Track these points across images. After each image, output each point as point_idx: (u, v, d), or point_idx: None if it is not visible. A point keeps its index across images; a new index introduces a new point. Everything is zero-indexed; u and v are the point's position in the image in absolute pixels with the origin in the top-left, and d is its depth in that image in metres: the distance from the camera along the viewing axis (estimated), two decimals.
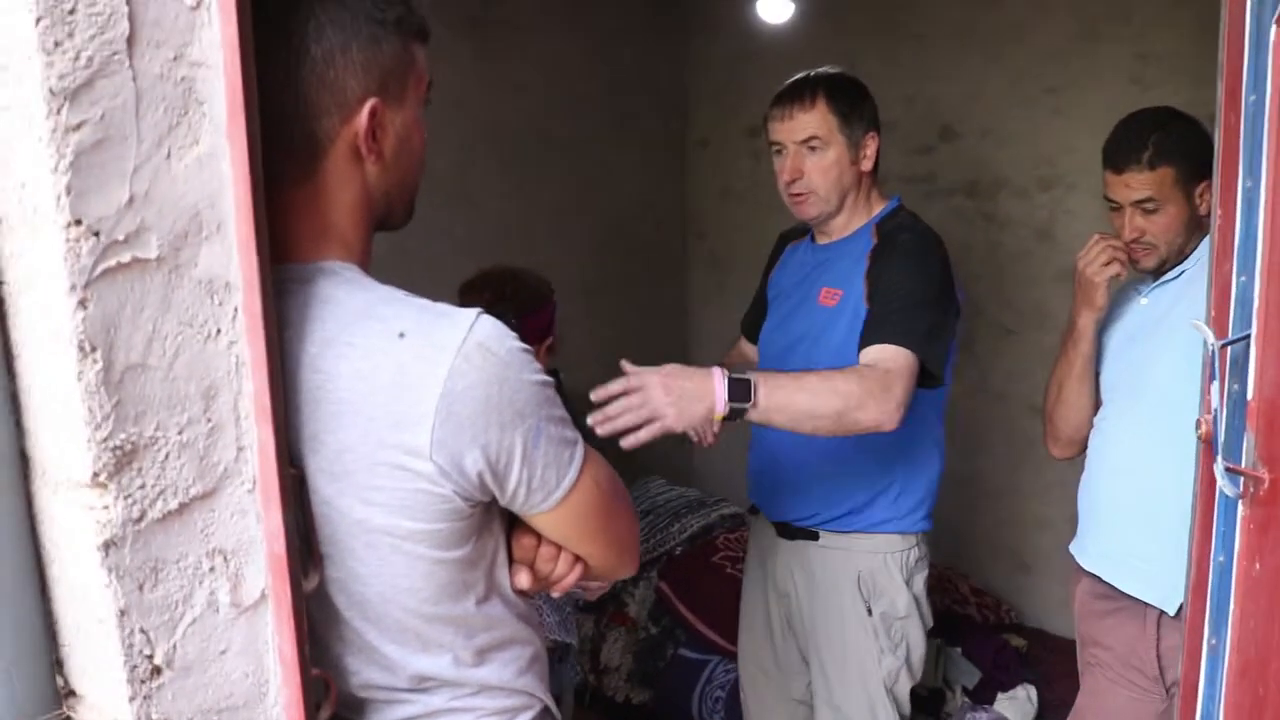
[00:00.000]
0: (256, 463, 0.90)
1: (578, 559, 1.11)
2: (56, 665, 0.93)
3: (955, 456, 3.68)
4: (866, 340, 1.76)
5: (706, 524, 3.49)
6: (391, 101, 0.98)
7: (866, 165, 1.92)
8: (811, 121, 1.88)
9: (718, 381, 1.57)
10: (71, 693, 0.94)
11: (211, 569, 0.89)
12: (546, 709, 1.15)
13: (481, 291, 2.20)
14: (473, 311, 0.93)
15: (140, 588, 0.84)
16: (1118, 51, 3.10)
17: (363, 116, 0.95)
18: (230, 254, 0.86)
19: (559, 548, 1.09)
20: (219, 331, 0.87)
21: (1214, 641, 1.21)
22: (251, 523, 0.91)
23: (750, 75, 4.03)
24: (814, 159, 1.90)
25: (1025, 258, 3.42)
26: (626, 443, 1.54)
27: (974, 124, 3.47)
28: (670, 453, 4.28)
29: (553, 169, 3.62)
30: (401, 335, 0.91)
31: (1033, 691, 3.04)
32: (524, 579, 1.07)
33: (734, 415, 1.60)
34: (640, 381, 1.55)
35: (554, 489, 1.00)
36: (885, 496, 1.97)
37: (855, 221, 1.97)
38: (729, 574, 3.22)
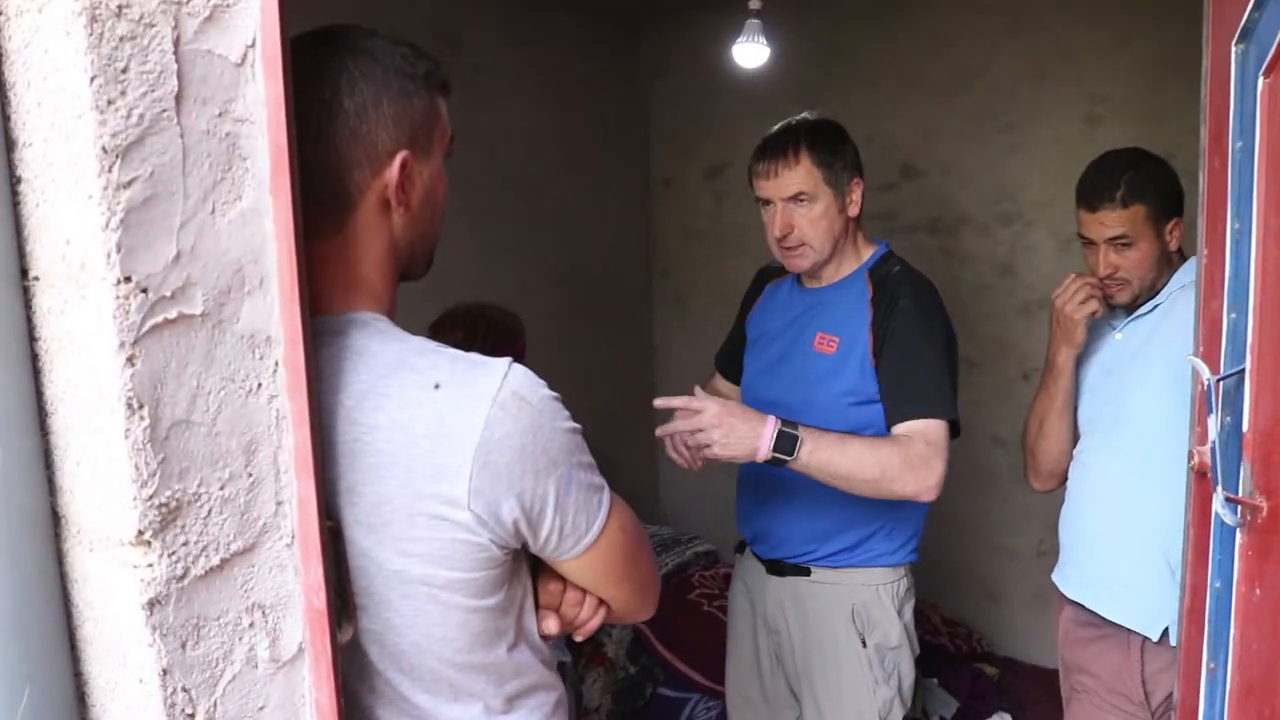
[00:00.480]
0: (295, 516, 0.90)
1: (601, 602, 1.12)
2: None
3: None
4: (898, 415, 1.82)
5: (681, 562, 3.50)
6: (419, 154, 0.99)
7: (854, 211, 1.95)
8: (798, 177, 1.90)
9: (768, 429, 1.67)
10: None
11: (251, 625, 0.88)
12: None
13: (453, 331, 2.21)
14: (504, 361, 0.95)
15: (183, 646, 0.83)
16: (1067, 91, 3.21)
17: (394, 169, 0.96)
18: (272, 308, 0.87)
19: (584, 592, 1.10)
20: (260, 386, 0.87)
21: (1213, 665, 1.25)
22: (290, 577, 0.91)
23: (709, 117, 4.11)
24: (803, 212, 1.91)
25: (987, 292, 3.51)
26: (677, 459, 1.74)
27: (934, 162, 3.56)
28: (639, 494, 4.29)
29: (515, 210, 3.64)
30: (437, 386, 0.92)
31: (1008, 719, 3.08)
32: (551, 624, 1.08)
33: (774, 462, 1.68)
34: (700, 405, 1.67)
35: (584, 534, 1.01)
36: (879, 534, 1.99)
37: (846, 267, 2.00)
38: (706, 611, 3.23)
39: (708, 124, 4.11)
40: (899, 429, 1.80)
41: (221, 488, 0.84)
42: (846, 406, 1.90)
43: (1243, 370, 1.12)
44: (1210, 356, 1.21)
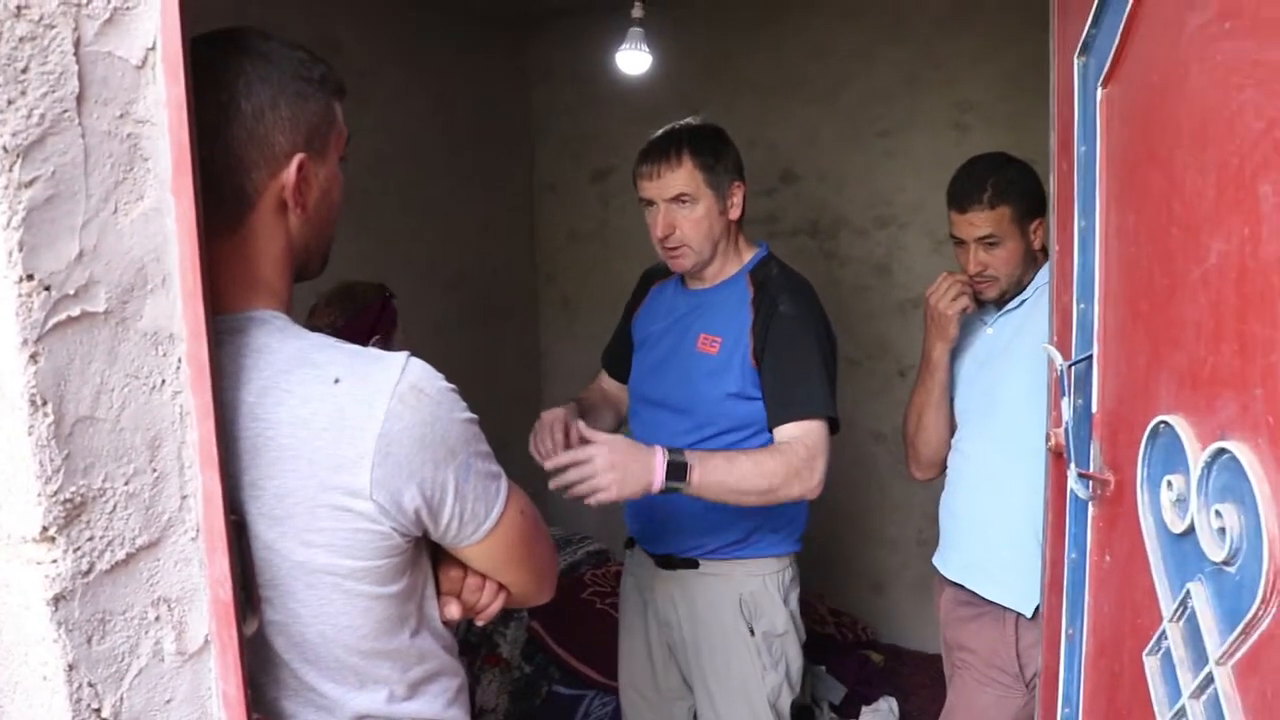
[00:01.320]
0: (200, 510, 0.91)
1: (501, 587, 1.16)
2: None
3: None
4: (779, 418, 1.90)
5: (573, 561, 3.55)
6: (316, 156, 1.02)
7: (735, 214, 2.02)
8: (680, 179, 1.96)
9: (658, 461, 1.72)
10: None
11: (157, 618, 0.89)
12: None
13: (327, 312, 2.26)
14: (402, 355, 0.98)
15: (88, 640, 0.84)
16: (938, 99, 3.38)
17: (290, 170, 0.99)
18: (175, 306, 0.88)
19: (484, 578, 1.14)
20: (164, 382, 0.88)
21: (1071, 631, 1.36)
22: (195, 570, 0.92)
23: (595, 121, 4.16)
24: (684, 213, 1.98)
25: (865, 292, 3.65)
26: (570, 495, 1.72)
27: (812, 167, 3.69)
28: (528, 495, 4.30)
29: (398, 213, 3.62)
30: (337, 381, 0.94)
31: (894, 703, 3.22)
32: (453, 609, 1.12)
33: (668, 491, 1.74)
34: (588, 454, 1.69)
35: (483, 521, 1.05)
36: (764, 527, 2.07)
37: (728, 269, 2.07)
38: (599, 609, 3.28)
39: (593, 128, 4.16)
40: (780, 432, 1.89)
41: (126, 483, 0.86)
42: (729, 403, 1.97)
43: (1090, 356, 1.22)
44: (1063, 344, 1.31)
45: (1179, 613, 0.94)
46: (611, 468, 1.68)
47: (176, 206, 0.87)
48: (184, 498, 0.91)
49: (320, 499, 0.94)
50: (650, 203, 2.02)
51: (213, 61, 0.95)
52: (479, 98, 4.05)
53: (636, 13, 3.17)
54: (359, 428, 0.93)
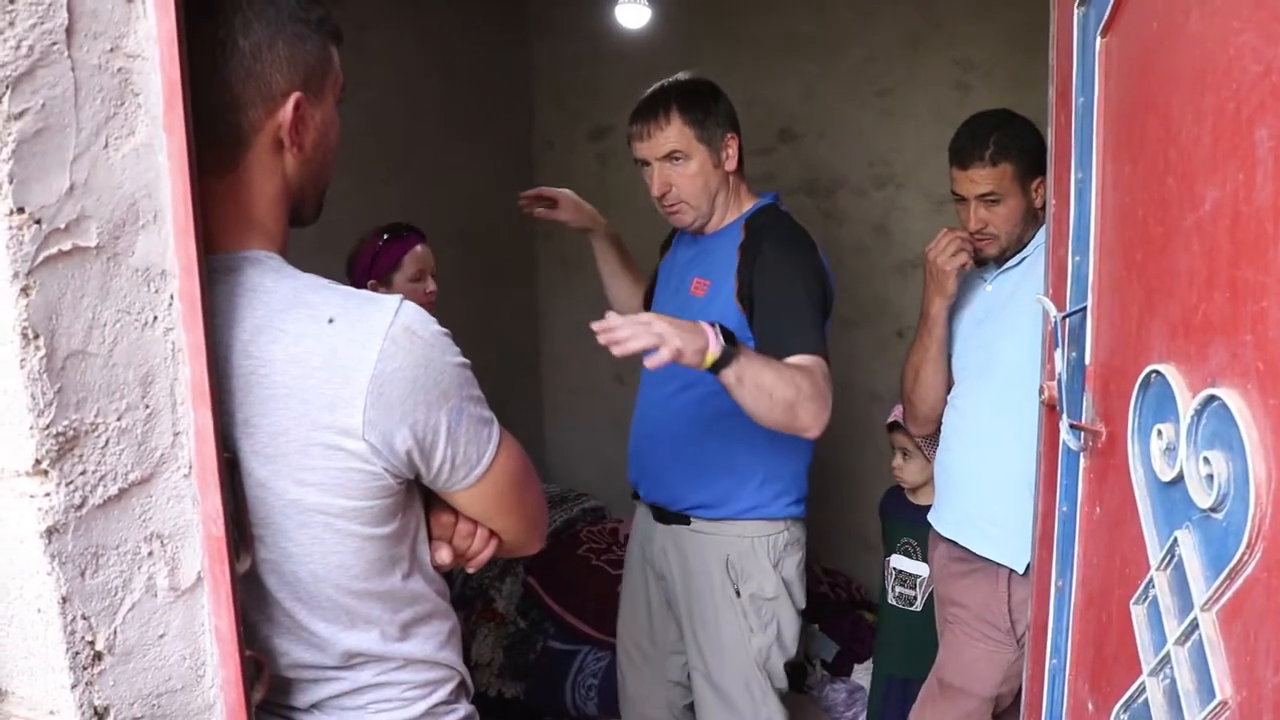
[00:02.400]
0: (192, 447, 0.92)
1: (492, 534, 1.17)
2: None
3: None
4: (785, 350, 1.84)
5: (569, 518, 3.57)
6: (312, 97, 1.02)
7: (730, 165, 2.03)
8: (669, 137, 1.97)
9: (712, 331, 1.65)
10: None
11: (150, 553, 0.90)
12: (463, 681, 1.20)
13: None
14: (396, 297, 0.98)
15: (82, 574, 0.85)
16: (938, 58, 3.34)
17: (287, 109, 0.98)
18: (167, 242, 0.88)
19: (475, 524, 1.15)
20: (156, 319, 0.89)
21: (1060, 584, 1.37)
22: (188, 507, 0.93)
23: (594, 79, 4.12)
24: (679, 170, 1.99)
25: (863, 252, 3.63)
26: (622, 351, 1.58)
27: (811, 125, 3.65)
28: (527, 452, 4.32)
29: (397, 169, 3.60)
30: (331, 320, 0.95)
31: None
32: (444, 554, 1.12)
33: (721, 363, 1.66)
34: (646, 317, 1.60)
35: (475, 465, 1.05)
36: (750, 484, 2.07)
37: (728, 217, 2.08)
38: (594, 565, 3.30)
39: (593, 86, 4.13)
40: (792, 360, 1.84)
41: (119, 418, 0.86)
42: None
43: (1085, 308, 1.22)
44: (1058, 297, 1.31)
45: (1166, 561, 0.94)
46: (671, 324, 1.61)
47: (168, 142, 0.86)
48: (176, 434, 0.91)
49: (313, 438, 0.94)
50: (645, 162, 2.03)
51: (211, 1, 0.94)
52: (478, 53, 4.01)
53: None
54: (352, 368, 0.93)
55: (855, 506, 3.80)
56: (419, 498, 1.10)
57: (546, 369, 4.43)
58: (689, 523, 2.10)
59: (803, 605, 2.16)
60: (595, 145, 4.21)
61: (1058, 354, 1.26)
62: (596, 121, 4.19)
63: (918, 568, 2.56)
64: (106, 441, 0.85)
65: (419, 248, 2.55)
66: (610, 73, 4.04)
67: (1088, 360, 1.22)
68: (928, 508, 2.22)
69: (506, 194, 4.31)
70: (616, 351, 1.58)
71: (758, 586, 2.08)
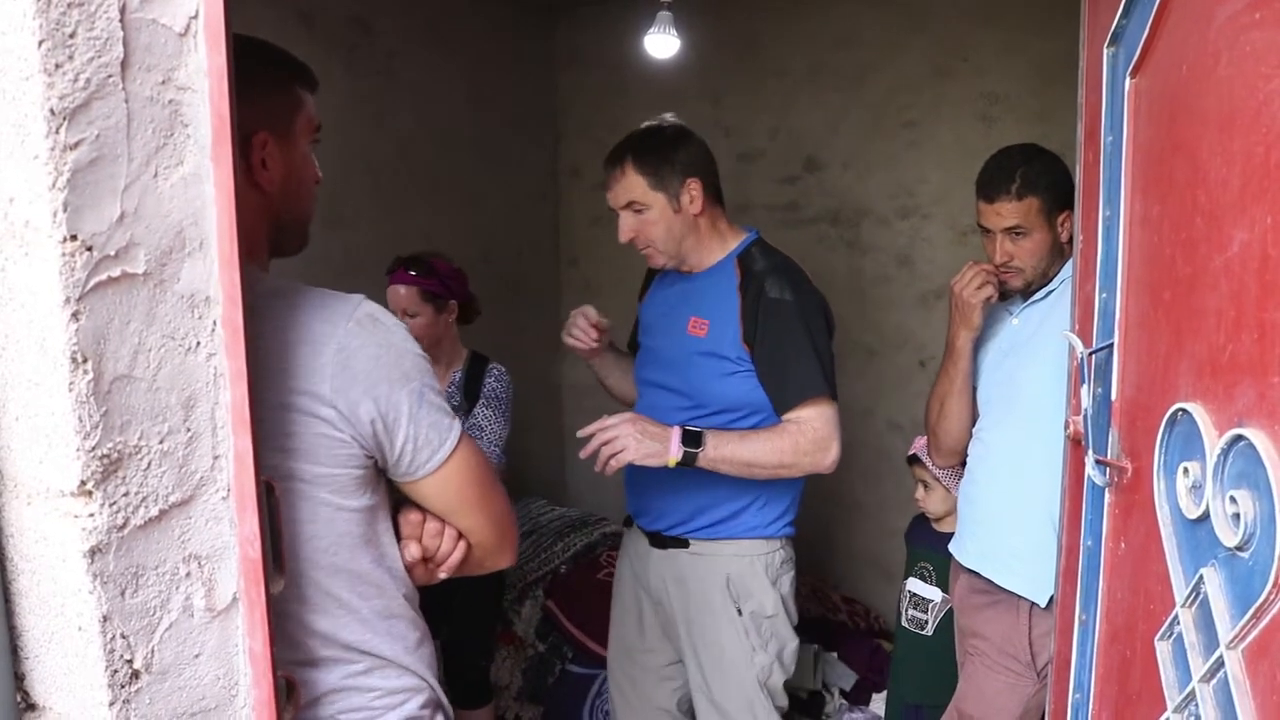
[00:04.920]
0: (231, 470, 0.94)
1: (460, 536, 1.21)
2: (17, 680, 0.94)
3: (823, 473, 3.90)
4: (785, 404, 1.97)
5: (589, 542, 3.57)
6: (279, 137, 1.10)
7: (694, 209, 2.03)
8: (626, 188, 2.03)
9: (675, 433, 1.88)
10: (31, 707, 0.94)
11: (188, 574, 0.92)
12: (438, 701, 1.22)
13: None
14: (359, 295, 1.09)
15: (122, 593, 0.87)
16: (965, 90, 3.35)
17: (254, 146, 1.07)
18: (211, 270, 0.90)
19: (443, 523, 1.19)
20: (199, 344, 0.91)
21: (1084, 617, 1.37)
22: (225, 529, 0.94)
23: (620, 107, 4.15)
24: (641, 218, 2.03)
25: (886, 283, 3.64)
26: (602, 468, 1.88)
27: (836, 155, 3.67)
28: (549, 477, 4.34)
29: (424, 196, 3.65)
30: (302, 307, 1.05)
31: None
32: (414, 549, 1.17)
33: (684, 462, 1.87)
34: (613, 420, 1.87)
35: (436, 449, 1.12)
36: (753, 507, 2.09)
37: (714, 254, 2.09)
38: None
39: (619, 114, 4.15)
40: (790, 416, 1.96)
41: (161, 441, 0.88)
42: (720, 383, 2.03)
43: (1111, 344, 1.23)
44: (1084, 332, 1.32)
45: (1192, 598, 0.95)
46: (632, 432, 1.84)
47: (215, 173, 0.89)
48: (216, 458, 0.93)
49: (287, 401, 1.02)
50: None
51: None
52: (506, 81, 4.06)
53: None
54: (321, 341, 1.04)
55: (875, 536, 3.79)
56: (385, 489, 1.16)
57: (568, 396, 4.45)
58: (688, 545, 2.12)
59: (796, 622, 2.18)
60: None
61: (1084, 390, 1.27)
62: None
63: (931, 592, 2.56)
64: (149, 464, 0.87)
65: (398, 288, 2.60)
66: (636, 101, 4.07)
67: (1114, 396, 1.22)
68: (950, 535, 2.22)
69: (532, 221, 4.39)
70: (584, 455, 1.89)
71: (758, 604, 2.09)
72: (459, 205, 3.81)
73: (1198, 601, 0.93)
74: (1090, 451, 1.24)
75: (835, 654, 3.24)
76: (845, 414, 3.76)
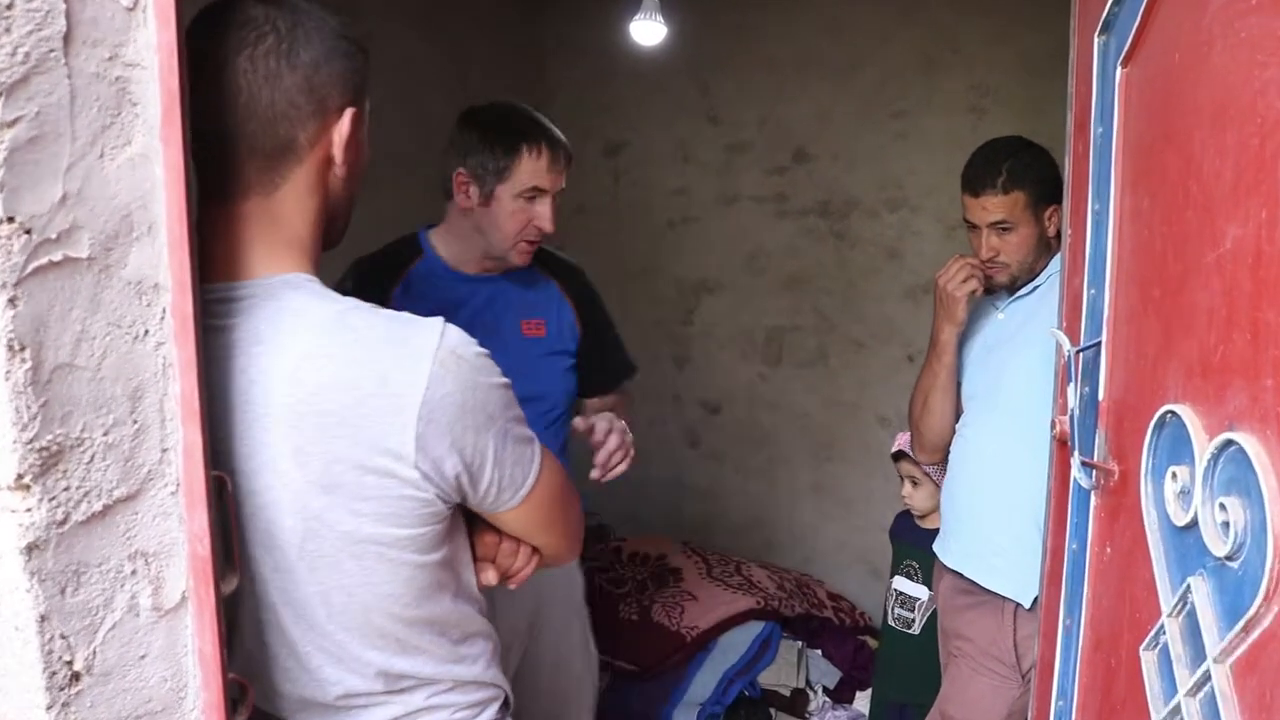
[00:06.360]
0: (180, 465, 0.90)
1: (535, 550, 1.16)
2: None
3: (810, 466, 3.88)
4: (619, 376, 2.16)
5: None
6: (359, 114, 1.03)
7: (460, 203, 1.98)
8: None
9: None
10: None
11: (133, 572, 0.88)
12: (506, 698, 1.19)
13: None
14: (438, 320, 0.97)
15: (62, 592, 0.83)
16: (954, 82, 3.33)
17: (344, 124, 0.99)
18: (160, 255, 0.86)
19: (519, 542, 1.14)
20: (147, 332, 0.87)
21: (1069, 622, 1.34)
22: (174, 525, 0.91)
23: (608, 96, 4.12)
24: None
25: (875, 275, 3.61)
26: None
27: (825, 146, 3.64)
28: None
29: (406, 185, 3.59)
30: (379, 344, 0.94)
31: None
32: (490, 574, 1.12)
33: None
34: (607, 425, 1.75)
35: (520, 486, 1.05)
36: None
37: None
38: (596, 584, 3.27)
39: (606, 103, 4.12)
40: (623, 387, 2.18)
41: (105, 433, 0.84)
42: (565, 375, 2.05)
43: (1099, 342, 1.19)
44: (1072, 330, 1.29)
45: (1178, 608, 0.91)
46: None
47: (165, 154, 0.85)
48: (164, 451, 0.89)
49: (368, 464, 0.93)
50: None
51: (267, 13, 0.95)
52: (492, 68, 4.00)
53: None
54: (402, 393, 0.92)
55: (861, 531, 3.77)
56: (462, 520, 1.09)
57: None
58: None
59: None
60: (609, 161, 4.21)
61: (1070, 389, 1.24)
62: (610, 138, 4.19)
63: (918, 590, 2.53)
64: (92, 457, 0.83)
65: None
66: (624, 89, 4.03)
67: (1101, 396, 1.19)
68: (936, 531, 2.19)
69: None
70: (607, 479, 1.77)
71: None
72: (437, 191, 3.75)
73: (1185, 611, 0.90)
74: (1076, 453, 1.21)
75: (819, 651, 3.22)
76: (832, 407, 3.77)
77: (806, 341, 3.82)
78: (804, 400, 3.86)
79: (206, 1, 0.95)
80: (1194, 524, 0.87)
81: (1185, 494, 0.89)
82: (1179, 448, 0.92)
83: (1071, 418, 1.23)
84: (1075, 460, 1.21)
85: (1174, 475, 0.92)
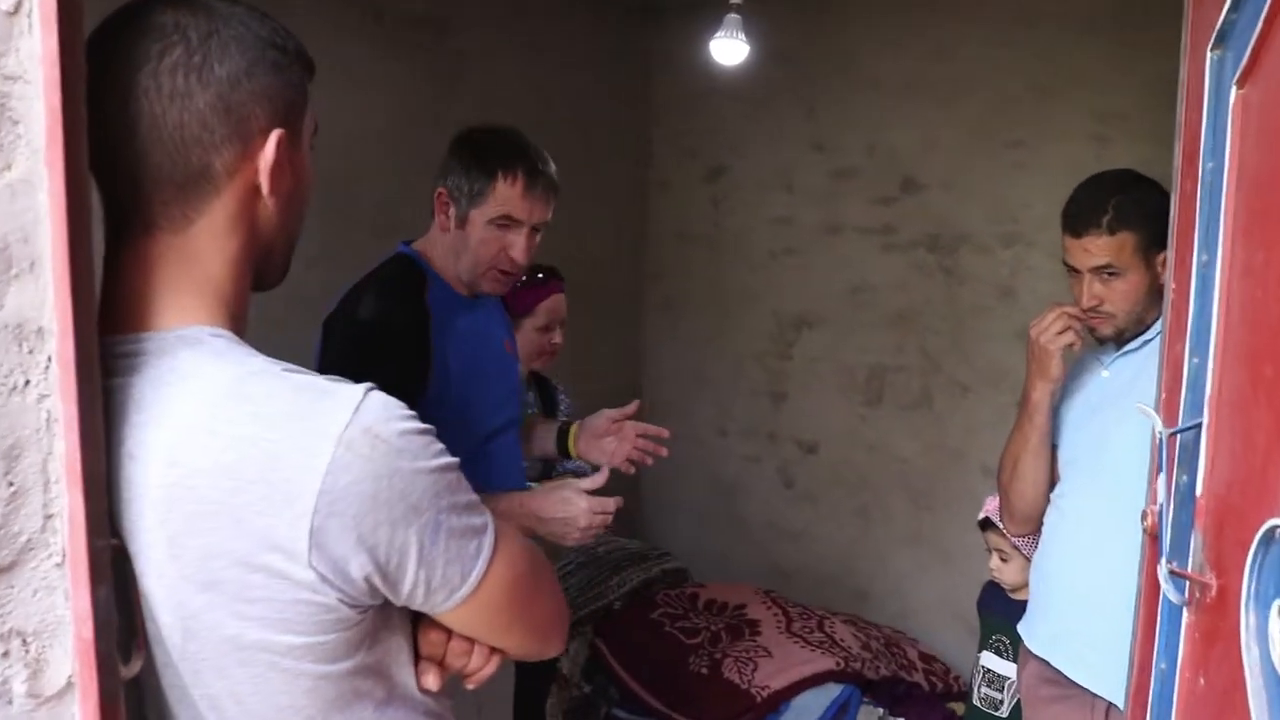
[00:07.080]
0: (67, 533, 0.78)
1: (494, 649, 0.99)
2: None
3: (908, 514, 3.63)
4: None
5: (647, 578, 3.39)
6: (292, 137, 0.88)
7: (443, 224, 1.87)
8: None
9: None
10: None
11: (5, 654, 0.77)
12: None
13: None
14: (360, 389, 0.81)
15: None
16: (1074, 108, 3.09)
17: (269, 148, 0.85)
18: (45, 295, 0.75)
19: (472, 642, 0.96)
20: (28, 383, 0.75)
21: None
22: (59, 601, 0.79)
23: (711, 119, 4.00)
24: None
25: (985, 314, 3.38)
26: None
27: (935, 175, 3.43)
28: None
29: None
30: (274, 421, 0.79)
31: None
32: (432, 679, 0.94)
33: None
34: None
35: (458, 587, 0.87)
36: None
37: None
38: (667, 632, 3.11)
39: (709, 126, 3.99)
40: None
41: None
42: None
43: (1200, 424, 0.98)
44: (1170, 405, 1.07)
45: None
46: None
47: (49, 180, 0.73)
48: (48, 517, 0.78)
49: (252, 562, 0.78)
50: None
51: (178, 20, 0.81)
52: (594, 87, 3.92)
53: None
54: (296, 479, 0.77)
55: (960, 586, 3.50)
56: (400, 615, 0.92)
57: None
58: None
59: None
60: (710, 187, 4.08)
61: (1161, 477, 1.02)
62: (711, 162, 4.06)
63: (1007, 668, 2.28)
64: None
65: (556, 297, 2.50)
66: (727, 112, 3.90)
67: (1199, 491, 0.97)
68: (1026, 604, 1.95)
69: (615, 231, 4.22)
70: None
71: None
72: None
73: None
74: (1164, 558, 0.99)
75: (902, 719, 2.97)
76: (934, 453, 3.53)
77: (910, 382, 3.59)
78: (905, 444, 3.63)
79: (117, 5, 0.84)
80: None
81: None
82: None
83: (1161, 513, 1.02)
84: (1163, 567, 0.99)
85: None
